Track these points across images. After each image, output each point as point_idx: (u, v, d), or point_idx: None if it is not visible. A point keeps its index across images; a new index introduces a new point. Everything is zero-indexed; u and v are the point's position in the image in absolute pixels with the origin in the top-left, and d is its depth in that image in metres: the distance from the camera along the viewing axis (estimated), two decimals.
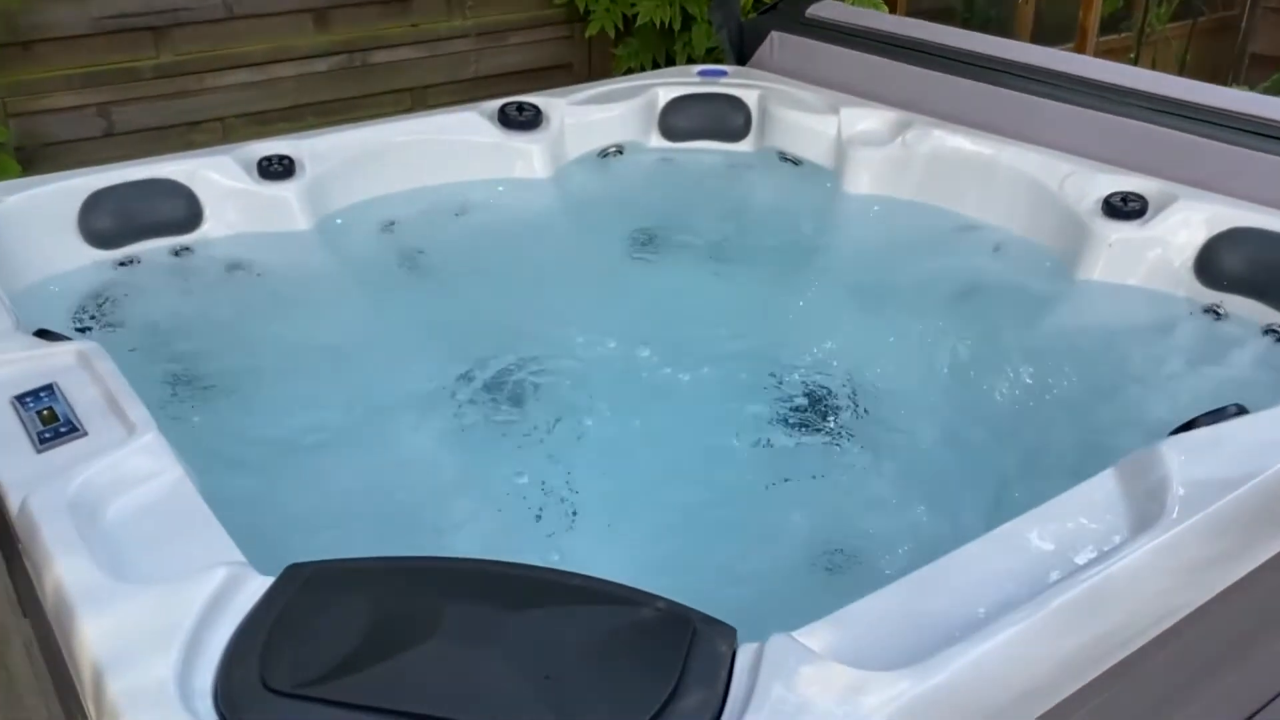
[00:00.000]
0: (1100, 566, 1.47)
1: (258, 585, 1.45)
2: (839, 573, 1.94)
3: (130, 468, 1.68)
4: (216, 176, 2.97)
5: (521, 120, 3.35)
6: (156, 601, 1.40)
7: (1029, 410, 2.38)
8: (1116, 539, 1.56)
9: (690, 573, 2.01)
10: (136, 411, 1.79)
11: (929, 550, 1.93)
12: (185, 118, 4.17)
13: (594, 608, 1.37)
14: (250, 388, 2.52)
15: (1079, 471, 1.76)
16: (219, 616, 1.39)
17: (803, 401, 2.48)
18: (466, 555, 2.01)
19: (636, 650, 1.32)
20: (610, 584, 1.41)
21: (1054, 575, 1.51)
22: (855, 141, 3.25)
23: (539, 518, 2.15)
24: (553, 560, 2.06)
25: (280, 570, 1.47)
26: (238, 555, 1.53)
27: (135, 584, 1.44)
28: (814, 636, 1.37)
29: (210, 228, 2.97)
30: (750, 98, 3.51)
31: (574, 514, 2.16)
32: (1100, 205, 2.76)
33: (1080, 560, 1.53)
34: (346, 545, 2.08)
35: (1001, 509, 1.93)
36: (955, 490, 2.13)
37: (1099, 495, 1.66)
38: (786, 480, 2.27)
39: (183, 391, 2.49)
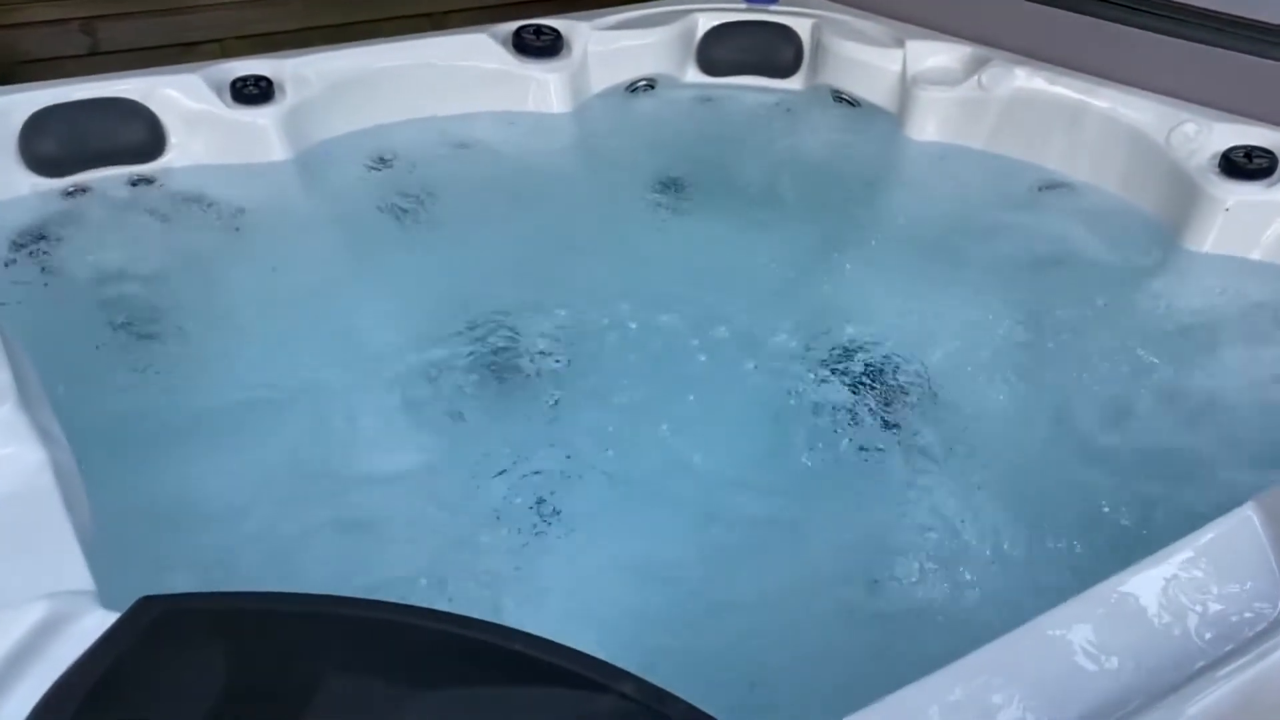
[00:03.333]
0: (1253, 653, 1.06)
1: (94, 624, 1.08)
2: (880, 623, 1.54)
3: None
4: (182, 98, 2.60)
5: (539, 46, 2.93)
6: None
7: (1123, 412, 1.95)
8: (1267, 608, 1.14)
9: (693, 602, 1.63)
10: None
11: (995, 604, 1.56)
12: (179, 38, 3.77)
13: (534, 689, 0.98)
14: (205, 341, 2.18)
15: (1195, 503, 1.35)
16: (28, 668, 1.03)
17: (852, 386, 2.07)
18: (412, 566, 1.72)
19: None
20: (561, 650, 1.02)
21: (1178, 658, 1.09)
22: (922, 80, 2.80)
23: (523, 518, 1.79)
24: (528, 574, 1.70)
25: (131, 603, 1.10)
26: (83, 579, 1.16)
27: None
28: None
29: (174, 156, 2.60)
30: (803, 28, 3.06)
31: (557, 515, 1.79)
32: (1217, 161, 2.31)
33: (1216, 638, 1.11)
34: (274, 543, 1.77)
35: (1095, 551, 1.53)
36: (1033, 522, 1.72)
37: (1235, 541, 1.24)
38: (826, 485, 1.88)
39: (124, 341, 2.17)
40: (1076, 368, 2.08)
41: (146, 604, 1.09)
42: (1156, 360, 2.05)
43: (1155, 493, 1.75)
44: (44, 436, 1.38)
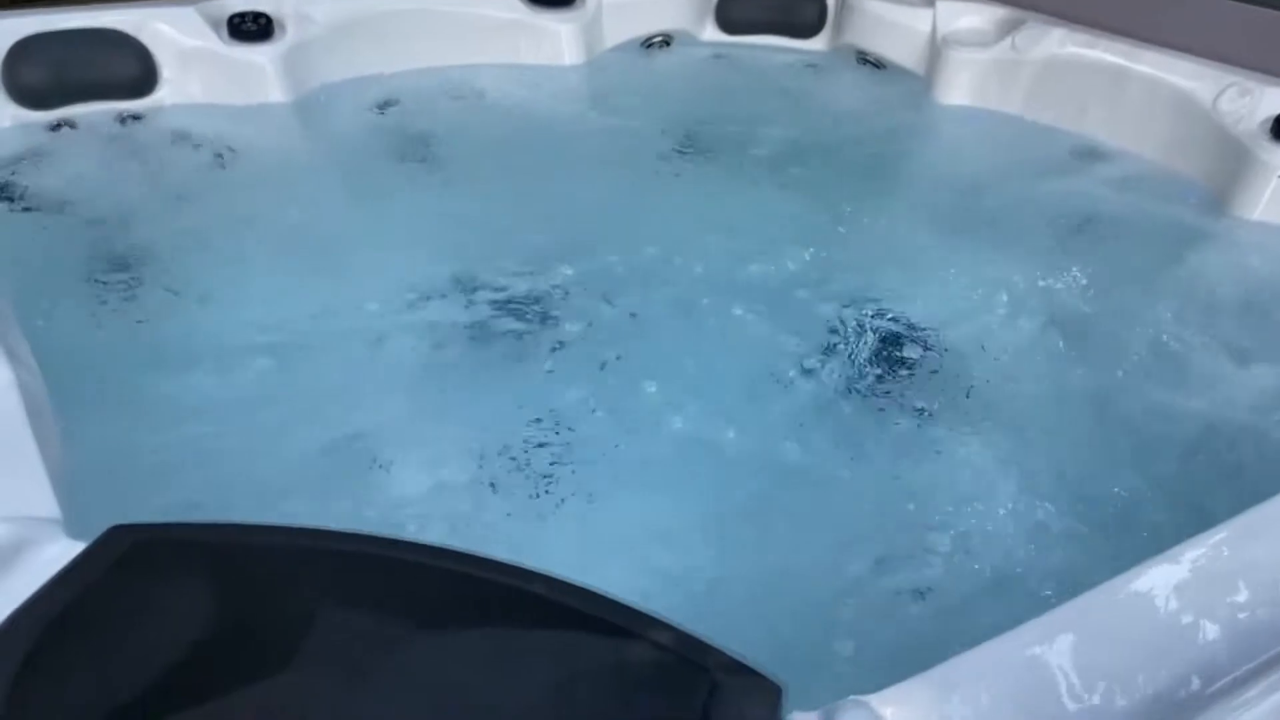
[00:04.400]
0: None
1: (59, 553, 0.95)
2: (921, 598, 1.41)
3: None
4: (176, 33, 2.47)
5: None
6: None
7: (1171, 384, 1.84)
8: None
9: (716, 568, 1.51)
10: None
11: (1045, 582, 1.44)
12: None
13: (556, 634, 0.86)
14: (196, 286, 2.05)
15: (1245, 474, 1.23)
16: None
17: (872, 353, 1.95)
18: (422, 517, 1.60)
19: (621, 713, 0.81)
20: (586, 593, 0.89)
21: (1235, 647, 0.97)
22: (953, 41, 2.68)
23: (536, 474, 1.66)
24: (541, 533, 1.57)
25: (100, 532, 0.98)
26: (48, 505, 1.04)
27: None
28: (901, 704, 0.86)
29: (166, 93, 2.48)
30: None
31: (573, 472, 1.66)
32: (1269, 126, 2.21)
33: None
34: (274, 497, 1.65)
35: (1142, 526, 1.41)
36: (1070, 492, 1.60)
37: None
38: (850, 453, 1.75)
39: (111, 283, 2.04)
40: (1120, 335, 1.96)
41: (118, 533, 0.96)
42: (1206, 327, 1.93)
43: (1205, 460, 1.65)
44: (10, 357, 1.25)
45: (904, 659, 0.95)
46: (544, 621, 0.87)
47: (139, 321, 1.92)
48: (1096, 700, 0.87)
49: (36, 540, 0.96)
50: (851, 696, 0.85)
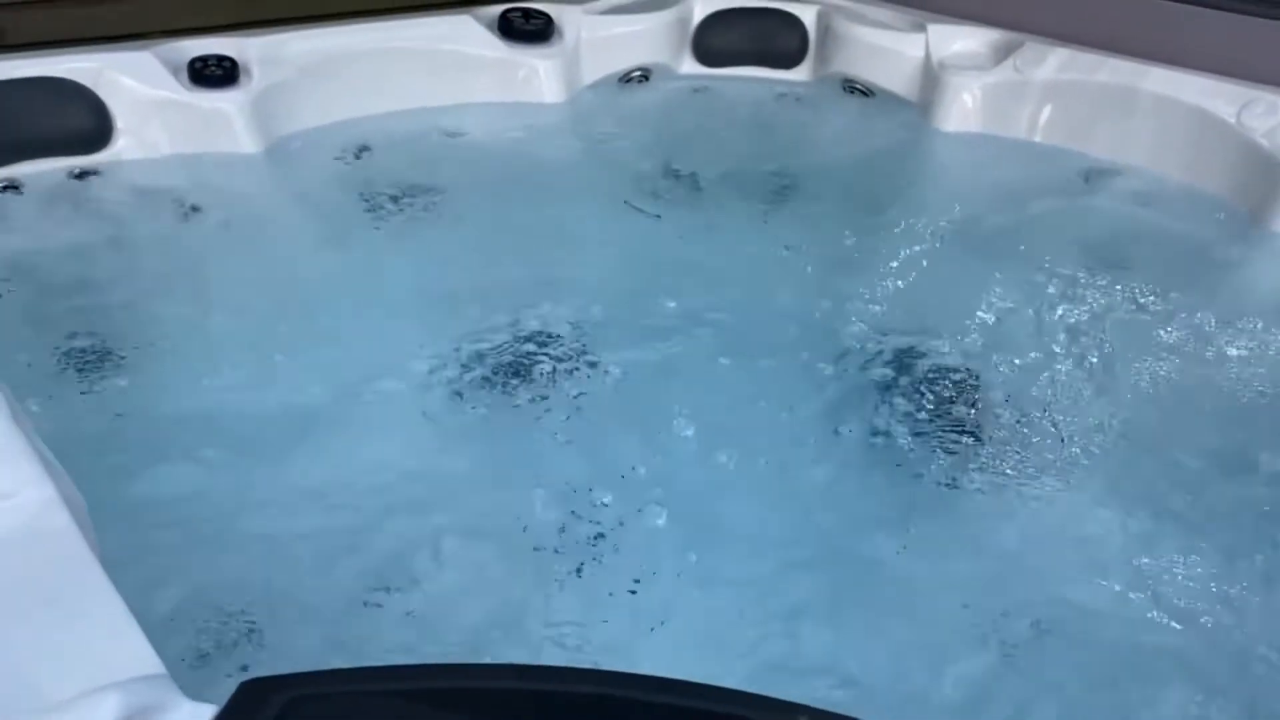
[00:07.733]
0: None
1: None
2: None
3: None
4: (132, 82, 2.26)
5: (529, 30, 2.66)
6: None
7: (1210, 402, 1.80)
8: None
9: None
10: None
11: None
12: (99, 30, 3.36)
13: None
14: (173, 361, 1.87)
15: None
16: None
17: (903, 395, 1.85)
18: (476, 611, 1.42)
19: None
20: None
21: None
22: (950, 66, 2.60)
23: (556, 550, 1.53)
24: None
25: (231, 689, 0.79)
26: (144, 655, 0.84)
27: None
28: None
29: (124, 146, 2.28)
30: (808, 15, 2.85)
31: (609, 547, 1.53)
32: None
33: None
34: (302, 597, 1.44)
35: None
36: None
37: None
38: (898, 518, 1.63)
39: (77, 363, 1.84)
40: (1156, 358, 1.92)
41: (254, 689, 0.78)
42: (1251, 354, 1.89)
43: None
44: (48, 467, 1.04)
45: None
46: None
47: (106, 402, 1.72)
48: None
49: (157, 708, 0.76)
50: None
